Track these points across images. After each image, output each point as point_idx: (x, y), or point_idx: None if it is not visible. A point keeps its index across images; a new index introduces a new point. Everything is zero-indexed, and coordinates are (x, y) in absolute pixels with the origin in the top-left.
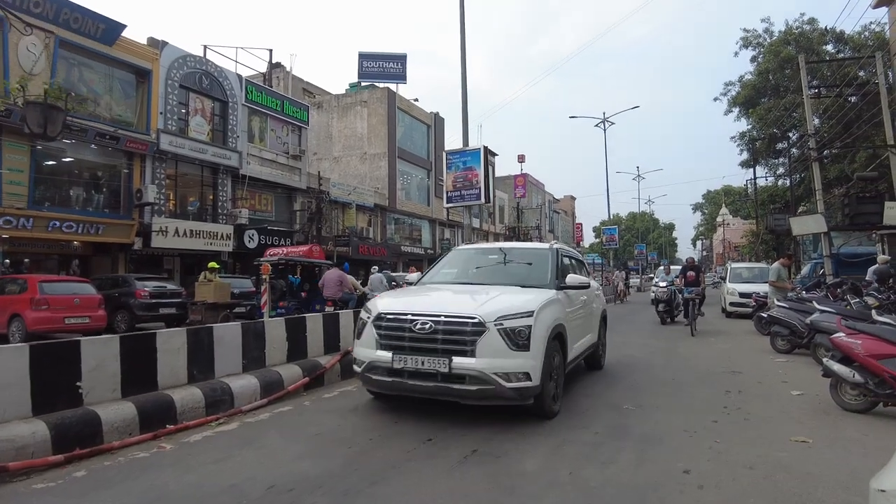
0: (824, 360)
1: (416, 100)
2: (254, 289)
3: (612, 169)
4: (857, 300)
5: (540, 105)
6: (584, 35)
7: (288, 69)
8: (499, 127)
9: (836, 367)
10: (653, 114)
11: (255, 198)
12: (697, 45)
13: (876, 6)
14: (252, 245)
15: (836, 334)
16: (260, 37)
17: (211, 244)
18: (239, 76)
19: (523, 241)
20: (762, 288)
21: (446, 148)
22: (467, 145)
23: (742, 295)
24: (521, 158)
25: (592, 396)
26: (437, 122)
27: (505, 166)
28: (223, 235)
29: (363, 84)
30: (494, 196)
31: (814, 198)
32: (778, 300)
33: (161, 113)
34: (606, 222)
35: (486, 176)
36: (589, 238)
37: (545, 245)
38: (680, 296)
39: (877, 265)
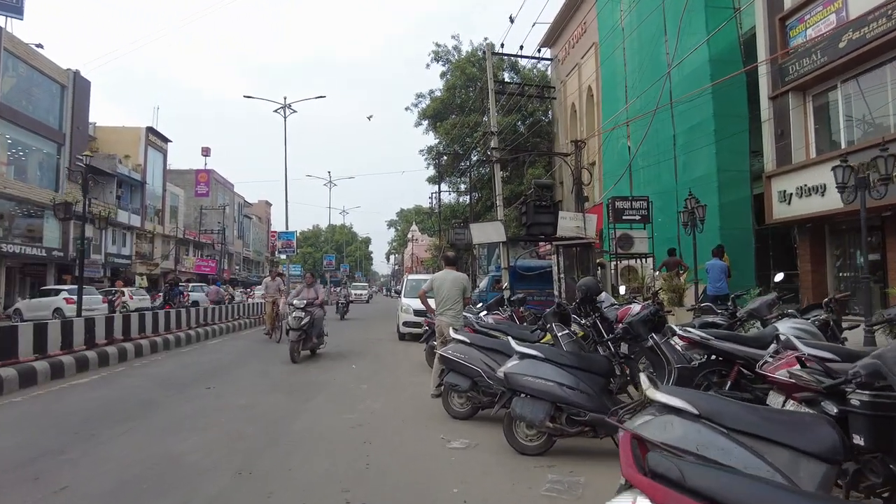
0: None
1: (41, 46)
2: None
3: (308, 178)
4: (566, 332)
5: (252, 112)
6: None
7: None
8: (203, 126)
9: None
10: (358, 130)
11: None
12: (406, 69)
13: (542, 46)
14: None
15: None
16: None
17: None
18: None
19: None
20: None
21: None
22: None
23: (418, 313)
24: (206, 151)
25: None
26: (77, 84)
27: (187, 159)
28: None
29: None
30: (165, 191)
31: (490, 214)
32: (455, 330)
33: None
34: (315, 234)
35: None
36: None
37: None
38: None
39: (586, 277)
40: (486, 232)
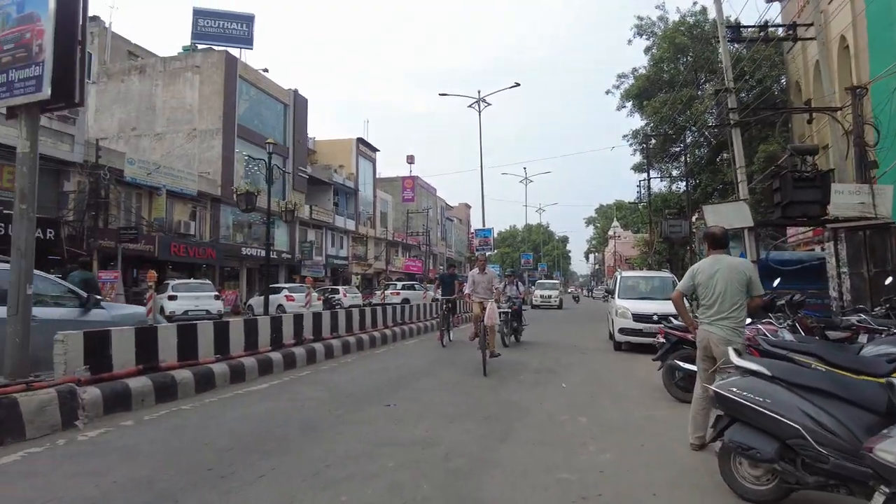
0: None
1: (266, 70)
2: None
3: (503, 177)
4: None
5: (451, 121)
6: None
7: (106, 24)
8: (404, 135)
9: None
10: (556, 129)
11: None
12: (601, 62)
13: (769, 0)
14: None
15: None
16: None
17: None
18: None
19: (408, 245)
20: (670, 308)
21: (311, 134)
22: None
23: (638, 318)
24: (411, 159)
25: None
26: (297, 102)
27: (394, 168)
28: None
29: (199, 47)
30: (375, 198)
31: (712, 201)
32: (738, 353)
33: None
34: (507, 233)
35: (77, 44)
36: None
37: None
38: None
39: None
40: (725, 215)
